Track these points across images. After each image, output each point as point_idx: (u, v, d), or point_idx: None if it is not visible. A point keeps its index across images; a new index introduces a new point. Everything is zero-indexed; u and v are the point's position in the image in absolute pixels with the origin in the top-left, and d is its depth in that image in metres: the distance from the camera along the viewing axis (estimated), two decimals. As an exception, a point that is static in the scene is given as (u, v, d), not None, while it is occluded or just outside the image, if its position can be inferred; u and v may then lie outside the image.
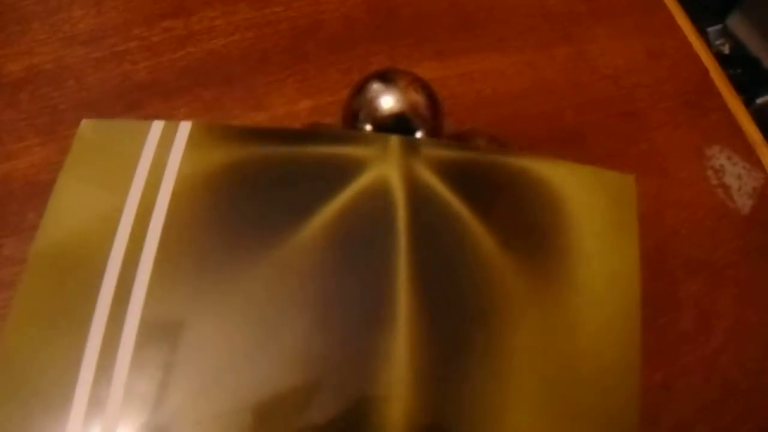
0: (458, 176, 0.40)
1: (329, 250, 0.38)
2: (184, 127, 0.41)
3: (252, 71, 0.51)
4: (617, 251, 0.41)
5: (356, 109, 0.45)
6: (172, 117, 0.49)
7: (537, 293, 0.38)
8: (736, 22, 1.09)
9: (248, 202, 0.39)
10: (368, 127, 0.44)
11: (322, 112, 0.50)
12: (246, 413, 0.35)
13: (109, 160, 0.40)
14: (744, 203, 0.50)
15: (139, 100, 0.49)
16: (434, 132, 0.45)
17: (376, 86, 0.45)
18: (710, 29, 1.09)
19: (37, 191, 0.44)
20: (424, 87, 0.45)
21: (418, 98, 0.45)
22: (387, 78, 0.45)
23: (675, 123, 0.52)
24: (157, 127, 0.41)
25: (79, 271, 0.37)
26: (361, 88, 0.45)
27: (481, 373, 0.36)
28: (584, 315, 0.39)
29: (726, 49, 1.09)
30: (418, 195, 0.39)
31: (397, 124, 0.44)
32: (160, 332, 0.36)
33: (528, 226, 0.40)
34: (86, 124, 0.41)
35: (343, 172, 0.40)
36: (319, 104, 0.50)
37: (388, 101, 0.44)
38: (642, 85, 0.54)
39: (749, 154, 0.52)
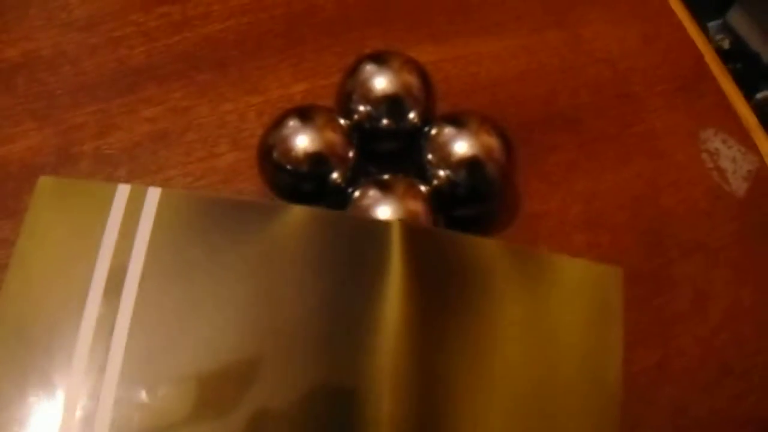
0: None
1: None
2: (153, 194, 0.41)
3: (247, 55, 0.51)
4: (601, 341, 0.42)
5: (350, 91, 0.45)
6: (167, 101, 0.49)
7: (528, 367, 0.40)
8: (736, 17, 1.09)
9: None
10: (362, 108, 0.45)
11: (316, 95, 0.50)
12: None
13: (71, 226, 0.40)
14: (739, 186, 0.50)
15: (134, 84, 0.50)
16: (427, 113, 0.45)
17: (369, 68, 0.45)
18: (710, 24, 1.10)
19: (34, 174, 0.44)
20: (417, 68, 0.46)
21: (411, 79, 0.45)
22: (380, 60, 0.45)
23: (670, 106, 0.52)
24: (123, 192, 0.41)
25: (45, 344, 0.37)
26: (354, 70, 0.46)
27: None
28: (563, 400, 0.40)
29: (726, 44, 1.09)
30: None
31: (390, 106, 0.44)
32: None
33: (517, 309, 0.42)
34: (44, 182, 0.41)
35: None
36: (314, 87, 0.50)
37: (381, 83, 0.45)
38: (637, 69, 0.54)
39: (744, 138, 0.52)
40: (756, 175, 0.50)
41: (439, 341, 0.39)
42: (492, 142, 0.44)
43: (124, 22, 0.52)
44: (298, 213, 0.41)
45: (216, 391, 0.36)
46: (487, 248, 0.42)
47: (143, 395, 0.36)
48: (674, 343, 0.44)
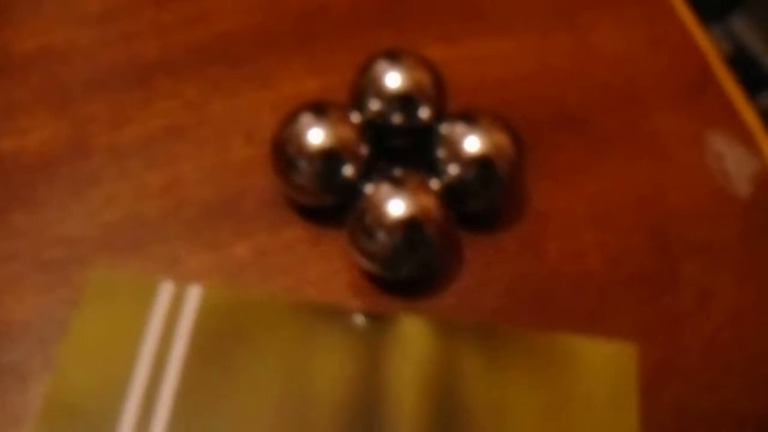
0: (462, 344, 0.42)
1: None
2: (195, 291, 0.42)
3: (260, 52, 0.52)
4: (617, 423, 0.42)
5: (363, 88, 0.46)
6: (180, 96, 0.50)
7: None
8: (737, 22, 1.09)
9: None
10: (375, 104, 0.45)
11: (329, 91, 0.50)
12: None
13: (117, 319, 0.41)
14: (743, 188, 0.50)
15: (148, 79, 0.50)
16: (439, 110, 0.46)
17: (382, 65, 0.46)
18: (711, 29, 1.10)
19: (48, 166, 0.45)
20: (430, 66, 0.46)
21: (424, 77, 0.46)
22: (393, 57, 0.46)
23: (676, 108, 0.53)
24: (168, 288, 0.42)
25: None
26: (367, 67, 0.46)
27: None
28: None
29: (727, 49, 1.09)
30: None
31: (403, 103, 0.45)
32: None
33: (531, 399, 0.42)
34: (95, 276, 0.42)
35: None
36: (326, 83, 0.51)
37: (393, 80, 0.45)
38: (643, 72, 0.54)
39: (748, 141, 0.52)
40: (759, 177, 0.51)
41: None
42: (503, 140, 0.44)
43: (138, 16, 0.52)
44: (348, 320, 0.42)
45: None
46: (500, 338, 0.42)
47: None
48: (678, 340, 0.45)
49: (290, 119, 0.44)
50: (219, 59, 0.51)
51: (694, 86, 0.54)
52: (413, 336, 0.42)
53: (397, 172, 0.43)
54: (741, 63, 1.06)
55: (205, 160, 0.47)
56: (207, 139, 0.48)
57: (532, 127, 0.50)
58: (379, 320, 0.42)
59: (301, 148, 0.43)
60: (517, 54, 0.54)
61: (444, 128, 0.45)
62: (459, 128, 0.44)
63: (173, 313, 0.41)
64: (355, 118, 0.45)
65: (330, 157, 0.43)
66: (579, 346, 0.43)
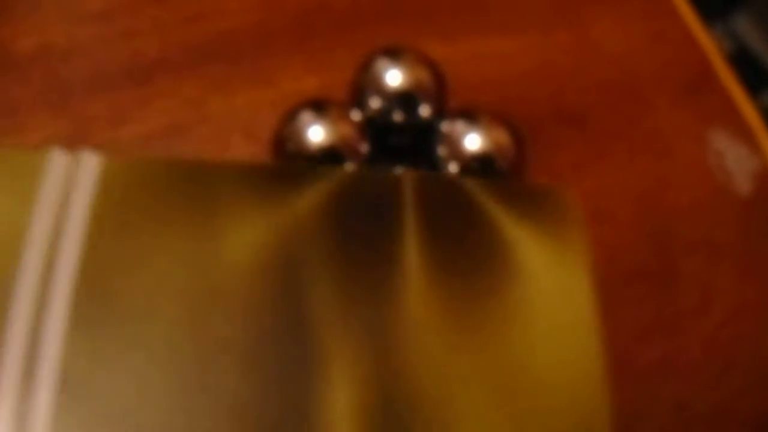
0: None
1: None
2: (92, 159, 0.39)
3: (260, 50, 0.52)
4: (566, 266, 0.39)
5: (363, 85, 0.46)
6: (179, 94, 0.50)
7: (490, 315, 0.38)
8: (739, 20, 1.09)
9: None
10: (375, 102, 0.45)
11: (329, 89, 0.50)
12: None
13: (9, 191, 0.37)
14: (743, 185, 0.50)
15: (148, 77, 0.50)
16: (439, 108, 0.46)
17: (382, 62, 0.46)
18: (713, 28, 1.10)
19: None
20: (430, 64, 0.46)
21: (424, 75, 0.46)
22: (393, 54, 0.46)
23: (677, 106, 0.53)
24: (61, 157, 0.38)
25: None
26: (367, 65, 0.46)
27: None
28: (536, 330, 0.37)
29: (728, 48, 1.09)
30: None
31: (403, 99, 0.45)
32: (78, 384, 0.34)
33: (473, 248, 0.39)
34: None
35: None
36: (326, 81, 0.51)
37: (393, 77, 0.45)
38: (644, 69, 0.54)
39: (749, 138, 0.52)
40: (760, 175, 0.51)
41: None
42: (503, 137, 0.44)
43: (138, 14, 0.52)
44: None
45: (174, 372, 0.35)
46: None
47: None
48: (678, 338, 0.45)
49: (290, 117, 0.44)
50: (219, 57, 0.51)
51: (695, 84, 0.54)
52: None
53: (398, 170, 0.43)
54: (743, 61, 1.06)
55: (206, 158, 0.47)
56: (207, 138, 0.48)
57: (532, 124, 0.50)
58: (295, 179, 0.40)
59: (301, 146, 0.43)
60: (517, 51, 0.54)
61: (445, 126, 0.45)
62: (460, 126, 0.44)
63: (68, 184, 0.38)
64: (356, 115, 0.45)
65: (330, 155, 0.43)
66: (516, 190, 0.41)
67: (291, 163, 0.43)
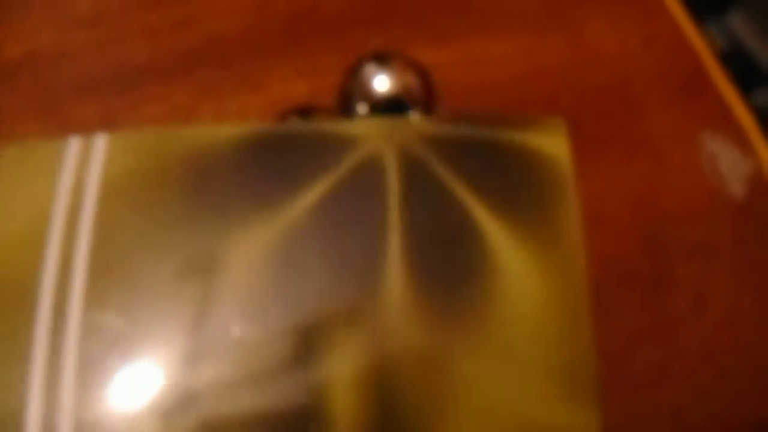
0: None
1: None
2: (102, 139, 0.40)
3: (250, 54, 0.52)
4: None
5: (350, 91, 0.45)
6: (169, 99, 0.49)
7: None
8: (733, 18, 1.09)
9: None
10: (363, 108, 0.45)
11: (319, 94, 0.50)
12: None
13: (27, 182, 0.39)
14: (737, 189, 0.50)
15: (137, 83, 0.50)
16: (428, 114, 0.45)
17: (370, 67, 0.45)
18: (708, 25, 1.09)
19: (36, 171, 0.45)
20: (418, 68, 0.46)
21: (412, 79, 0.45)
22: (381, 59, 0.46)
23: (669, 108, 0.52)
24: (75, 143, 0.40)
25: (9, 290, 0.36)
26: (355, 70, 0.46)
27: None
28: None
29: (723, 46, 1.09)
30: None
31: (391, 105, 0.45)
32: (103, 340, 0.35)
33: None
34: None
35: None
36: (316, 86, 0.51)
37: (381, 82, 0.45)
38: (637, 72, 0.54)
39: (742, 141, 0.52)
40: (753, 178, 0.51)
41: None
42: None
43: (126, 19, 0.52)
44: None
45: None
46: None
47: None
48: (674, 343, 0.45)
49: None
50: (208, 62, 0.51)
51: (688, 86, 0.54)
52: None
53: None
54: (737, 59, 1.05)
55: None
56: (196, 144, 0.48)
57: (524, 129, 0.50)
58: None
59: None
60: (508, 55, 0.53)
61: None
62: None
63: (82, 165, 0.39)
64: (343, 122, 0.44)
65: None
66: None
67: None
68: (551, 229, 0.38)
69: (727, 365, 0.45)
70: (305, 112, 0.44)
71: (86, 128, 0.48)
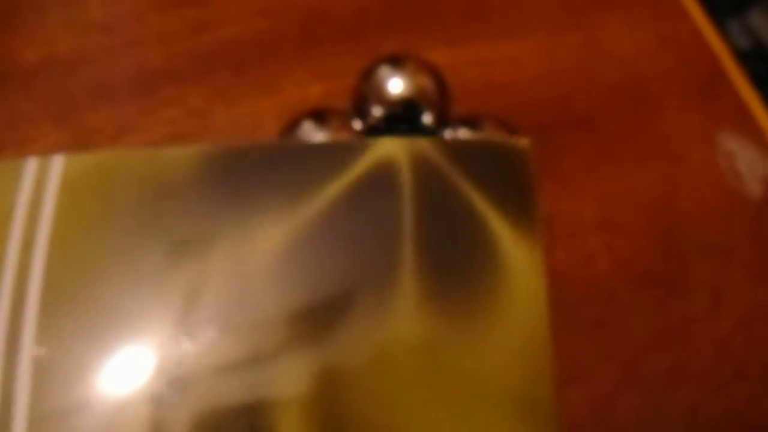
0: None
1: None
2: (58, 162, 0.40)
3: (264, 58, 0.52)
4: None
5: (365, 93, 0.45)
6: (184, 103, 0.50)
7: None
8: (755, 17, 1.08)
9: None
10: (377, 111, 0.45)
11: (333, 97, 0.50)
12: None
13: None
14: (755, 188, 0.50)
15: (152, 87, 0.50)
16: (442, 116, 0.45)
17: (384, 70, 0.45)
18: (729, 23, 1.09)
19: (52, 175, 0.45)
20: (433, 71, 0.46)
21: (426, 82, 0.45)
22: (395, 62, 0.46)
23: (686, 109, 0.52)
24: (32, 164, 0.40)
25: None
26: (369, 73, 0.46)
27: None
28: None
29: (745, 44, 1.08)
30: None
31: (405, 108, 0.45)
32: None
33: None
34: None
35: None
36: (331, 89, 0.51)
37: (396, 85, 0.45)
38: (653, 71, 0.54)
39: (761, 141, 0.52)
40: (772, 177, 0.50)
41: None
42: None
43: (142, 24, 0.52)
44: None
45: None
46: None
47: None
48: (689, 344, 0.44)
49: (291, 127, 0.44)
50: (223, 66, 0.51)
51: (705, 85, 0.53)
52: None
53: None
54: (758, 57, 1.05)
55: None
56: (211, 147, 0.48)
57: (539, 129, 0.50)
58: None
59: (303, 157, 0.43)
60: (523, 56, 0.53)
61: (447, 134, 0.45)
62: (462, 134, 0.44)
63: (39, 185, 0.39)
64: (357, 124, 0.44)
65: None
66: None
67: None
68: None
69: (744, 366, 0.44)
70: (320, 115, 0.44)
71: (102, 133, 0.48)
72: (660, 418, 0.42)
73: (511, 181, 0.39)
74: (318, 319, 0.36)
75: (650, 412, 0.42)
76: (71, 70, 0.50)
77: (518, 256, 0.37)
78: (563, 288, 0.45)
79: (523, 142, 0.39)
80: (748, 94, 0.53)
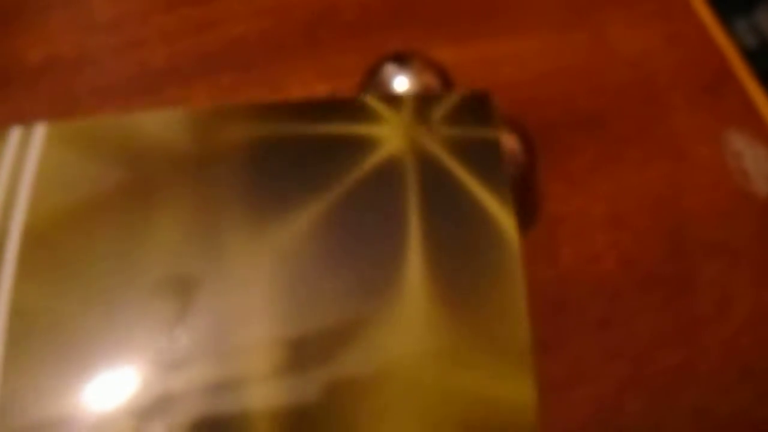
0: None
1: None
2: (41, 129, 0.40)
3: (269, 57, 0.52)
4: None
5: (370, 91, 0.45)
6: (189, 103, 0.49)
7: None
8: (763, 15, 1.08)
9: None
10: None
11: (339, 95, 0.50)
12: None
13: None
14: (762, 187, 0.50)
15: (157, 87, 0.50)
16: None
17: (390, 68, 0.45)
18: (737, 22, 1.09)
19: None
20: (438, 69, 0.46)
21: (432, 79, 0.45)
22: (401, 60, 0.45)
23: (693, 107, 0.52)
24: (15, 133, 0.40)
25: None
26: (375, 70, 0.46)
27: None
28: None
29: (753, 43, 1.08)
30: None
31: (411, 105, 0.44)
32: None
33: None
34: None
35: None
36: (336, 88, 0.51)
37: (401, 83, 0.45)
38: (660, 70, 0.53)
39: (767, 139, 0.51)
40: (779, 176, 0.50)
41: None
42: (513, 144, 0.44)
43: (146, 23, 0.52)
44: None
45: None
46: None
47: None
48: (696, 344, 0.44)
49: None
50: (228, 65, 0.51)
51: (712, 84, 0.53)
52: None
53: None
54: (765, 56, 1.05)
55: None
56: (216, 147, 0.48)
57: (545, 128, 0.50)
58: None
59: (309, 155, 0.43)
60: (529, 54, 0.53)
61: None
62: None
63: (20, 154, 0.39)
64: (363, 123, 0.44)
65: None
66: None
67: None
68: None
69: (751, 365, 0.44)
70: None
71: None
72: (667, 418, 0.42)
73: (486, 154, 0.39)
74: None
75: (657, 411, 0.42)
76: (75, 69, 0.50)
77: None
78: (569, 287, 0.45)
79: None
80: (756, 93, 0.53)
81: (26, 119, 0.48)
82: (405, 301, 0.37)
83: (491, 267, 0.37)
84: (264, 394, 0.35)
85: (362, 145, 0.39)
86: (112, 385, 0.35)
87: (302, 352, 0.36)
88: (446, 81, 0.46)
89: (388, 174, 0.39)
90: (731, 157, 0.50)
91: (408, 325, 0.36)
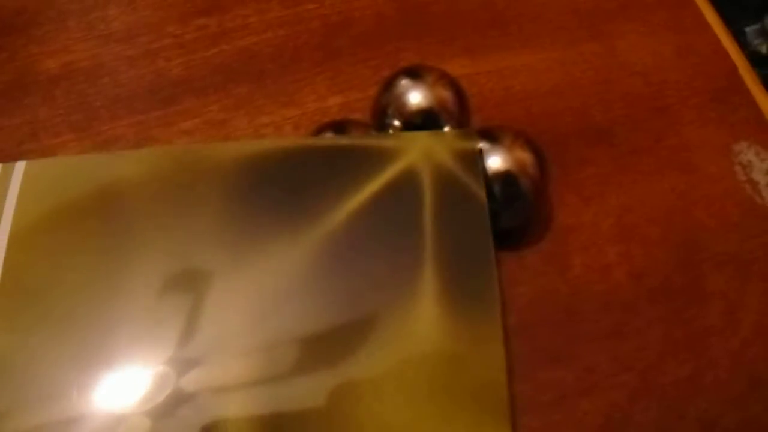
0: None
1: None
2: (19, 167, 0.41)
3: (283, 68, 0.52)
4: None
5: (385, 105, 0.46)
6: (204, 113, 0.50)
7: None
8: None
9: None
10: (396, 123, 0.45)
11: (352, 108, 0.50)
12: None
13: None
14: (772, 199, 0.50)
15: (172, 97, 0.50)
16: (461, 126, 0.46)
17: (404, 82, 0.45)
18: (748, 29, 1.08)
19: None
20: (452, 82, 0.46)
21: (446, 94, 0.45)
22: (415, 74, 0.46)
23: (703, 119, 0.52)
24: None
25: None
26: (389, 84, 0.46)
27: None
28: None
29: (764, 49, 1.08)
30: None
31: (425, 119, 0.45)
32: None
33: None
34: None
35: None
36: (350, 100, 0.51)
37: (415, 97, 0.45)
38: (671, 82, 0.54)
39: (778, 150, 0.52)
40: (789, 187, 0.50)
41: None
42: (525, 156, 0.44)
43: (161, 34, 0.53)
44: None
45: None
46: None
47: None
48: (705, 355, 0.44)
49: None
50: (242, 77, 0.51)
51: (722, 96, 0.53)
52: None
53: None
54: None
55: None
56: (230, 158, 0.48)
57: (557, 140, 0.50)
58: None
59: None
60: (541, 67, 0.53)
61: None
62: (481, 146, 0.44)
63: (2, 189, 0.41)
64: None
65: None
66: None
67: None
68: None
69: (760, 376, 0.44)
70: (339, 126, 0.44)
71: (122, 142, 0.48)
72: (676, 428, 0.42)
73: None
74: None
75: (667, 422, 0.42)
76: (91, 79, 0.51)
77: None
78: (580, 298, 0.45)
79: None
80: (766, 105, 0.53)
81: (43, 128, 0.48)
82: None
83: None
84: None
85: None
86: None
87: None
88: (460, 94, 0.46)
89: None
90: (741, 168, 0.51)
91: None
